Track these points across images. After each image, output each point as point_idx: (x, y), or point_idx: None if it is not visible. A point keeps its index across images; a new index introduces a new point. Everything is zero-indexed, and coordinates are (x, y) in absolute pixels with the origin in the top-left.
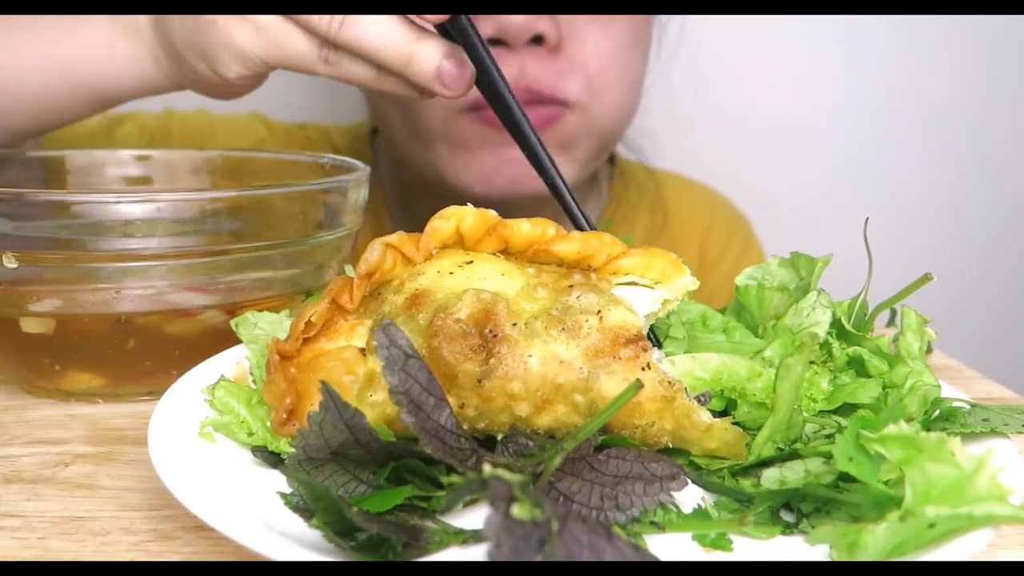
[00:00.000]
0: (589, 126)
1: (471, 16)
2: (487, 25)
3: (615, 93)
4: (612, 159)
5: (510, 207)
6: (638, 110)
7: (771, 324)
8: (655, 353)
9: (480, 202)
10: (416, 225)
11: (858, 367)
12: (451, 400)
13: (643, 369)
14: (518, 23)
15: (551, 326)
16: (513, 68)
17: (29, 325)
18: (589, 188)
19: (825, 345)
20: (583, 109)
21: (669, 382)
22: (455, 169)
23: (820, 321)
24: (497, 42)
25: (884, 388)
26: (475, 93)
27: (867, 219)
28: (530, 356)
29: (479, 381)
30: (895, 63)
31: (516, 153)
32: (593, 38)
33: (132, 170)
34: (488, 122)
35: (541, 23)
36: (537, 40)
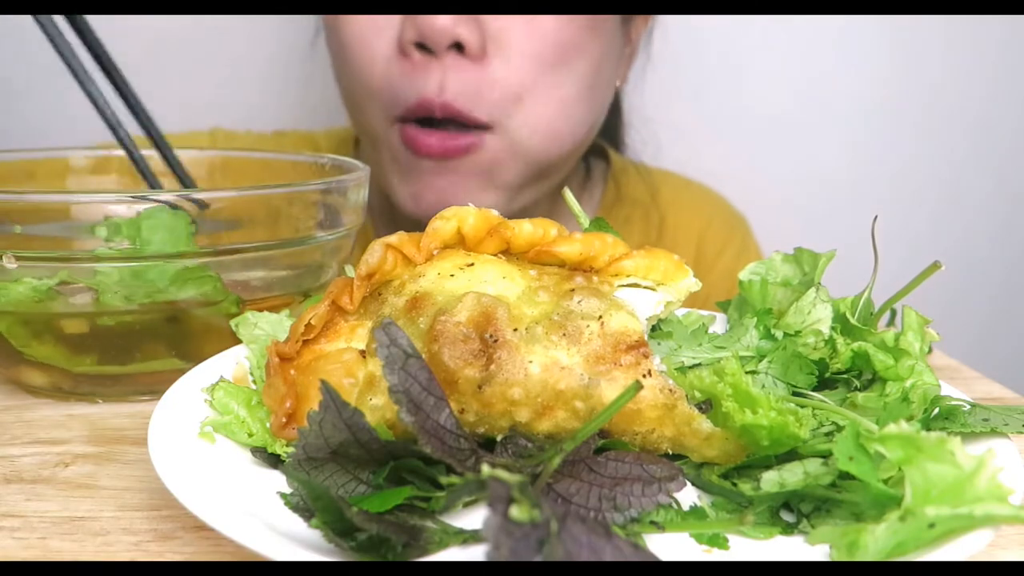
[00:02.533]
0: (512, 149)
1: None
2: (409, 28)
3: (538, 113)
4: (607, 160)
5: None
6: (586, 133)
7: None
8: (656, 360)
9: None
10: (401, 230)
11: (863, 363)
12: (451, 405)
13: (644, 376)
14: (437, 27)
15: (552, 331)
16: (433, 80)
17: (71, 326)
18: (582, 190)
19: (829, 341)
20: (504, 129)
21: (670, 390)
22: (391, 180)
23: (822, 318)
24: (423, 48)
25: (886, 383)
26: (401, 104)
27: (875, 217)
28: (531, 362)
29: (479, 387)
30: (894, 63)
31: (440, 182)
32: (518, 52)
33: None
34: (407, 143)
35: (462, 28)
36: (460, 47)
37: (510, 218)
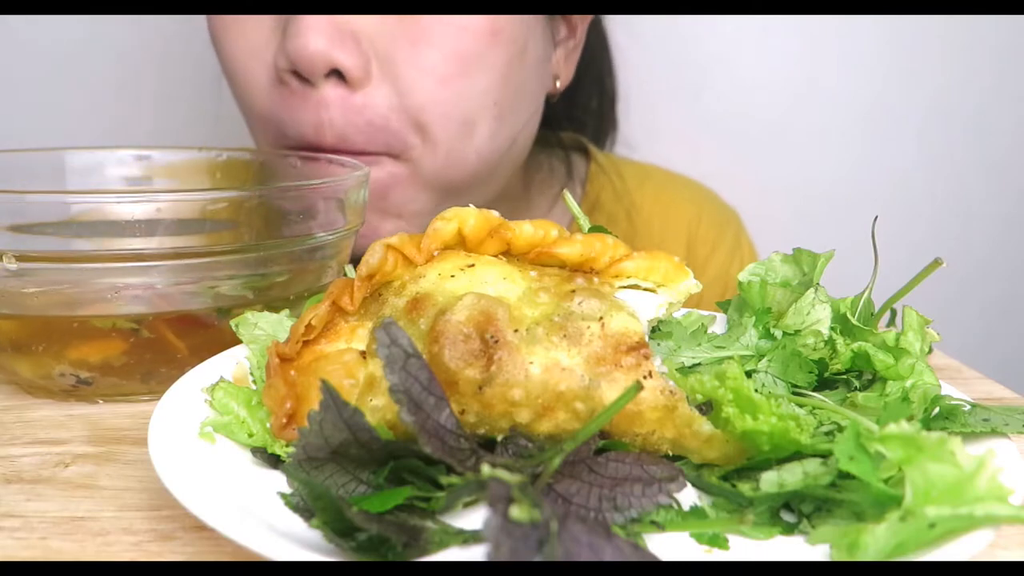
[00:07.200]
0: (404, 175)
1: None
2: (280, 56)
3: (432, 137)
4: (587, 156)
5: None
6: (505, 148)
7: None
8: (656, 361)
9: None
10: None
11: (863, 362)
12: (452, 406)
13: (645, 377)
14: (308, 56)
15: (553, 332)
16: (309, 115)
17: None
18: (557, 189)
19: (829, 342)
20: (404, 157)
21: (671, 391)
22: None
23: (821, 318)
24: (300, 76)
25: (886, 383)
26: (284, 139)
27: (876, 217)
28: (531, 363)
29: (480, 388)
30: (894, 63)
31: None
32: (409, 71)
33: (132, 170)
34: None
35: (337, 54)
36: (340, 74)
37: None
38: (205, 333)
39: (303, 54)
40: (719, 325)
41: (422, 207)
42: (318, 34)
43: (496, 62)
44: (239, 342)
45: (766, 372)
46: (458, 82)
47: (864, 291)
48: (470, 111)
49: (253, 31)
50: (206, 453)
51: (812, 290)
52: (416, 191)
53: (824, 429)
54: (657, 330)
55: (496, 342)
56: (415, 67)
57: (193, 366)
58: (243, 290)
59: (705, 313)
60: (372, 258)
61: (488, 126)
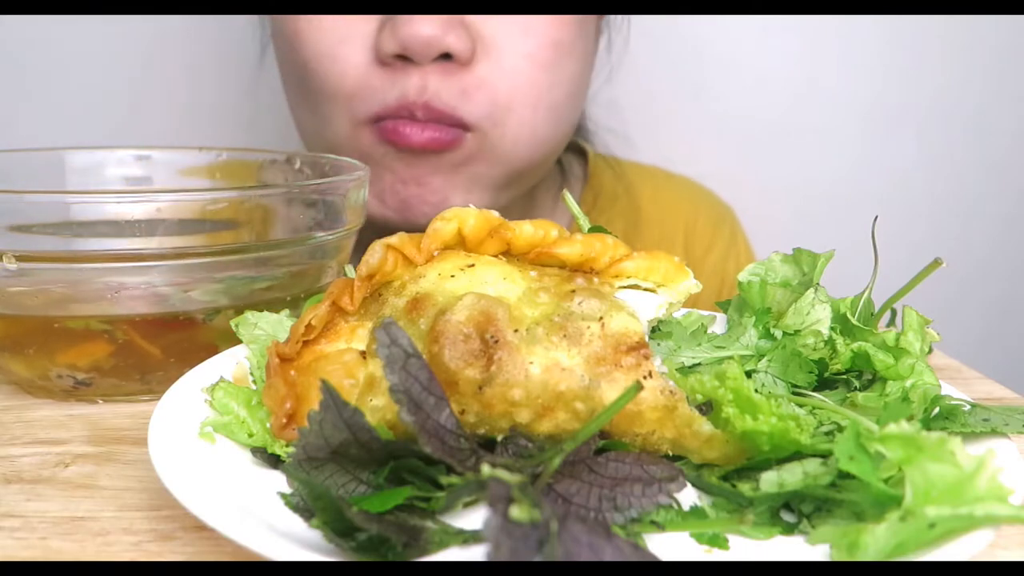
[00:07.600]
0: (488, 151)
1: None
2: (388, 40)
3: (521, 118)
4: (584, 157)
5: (408, 230)
6: (568, 135)
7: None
8: (656, 361)
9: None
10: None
11: (863, 362)
12: (452, 406)
13: (645, 377)
14: (422, 39)
15: (553, 332)
16: (414, 82)
17: None
18: (559, 190)
19: (829, 342)
20: (485, 134)
21: (671, 391)
22: None
23: (821, 318)
24: (403, 57)
25: (886, 383)
26: (378, 104)
27: (876, 217)
28: (531, 363)
29: (480, 388)
30: (894, 63)
31: (413, 173)
32: (510, 55)
33: (132, 170)
34: (387, 136)
35: (451, 38)
36: (446, 56)
37: None
38: (178, 335)
39: (417, 39)
40: (719, 325)
41: (492, 182)
42: (430, 21)
43: (581, 51)
44: (218, 344)
45: (766, 372)
46: (553, 69)
47: (864, 291)
48: (560, 97)
49: (342, 20)
50: (206, 453)
51: (812, 290)
52: (489, 167)
53: (824, 429)
54: (657, 330)
55: (496, 342)
56: (516, 52)
57: (179, 370)
58: (231, 292)
59: (705, 313)
60: (372, 258)
61: (567, 112)
